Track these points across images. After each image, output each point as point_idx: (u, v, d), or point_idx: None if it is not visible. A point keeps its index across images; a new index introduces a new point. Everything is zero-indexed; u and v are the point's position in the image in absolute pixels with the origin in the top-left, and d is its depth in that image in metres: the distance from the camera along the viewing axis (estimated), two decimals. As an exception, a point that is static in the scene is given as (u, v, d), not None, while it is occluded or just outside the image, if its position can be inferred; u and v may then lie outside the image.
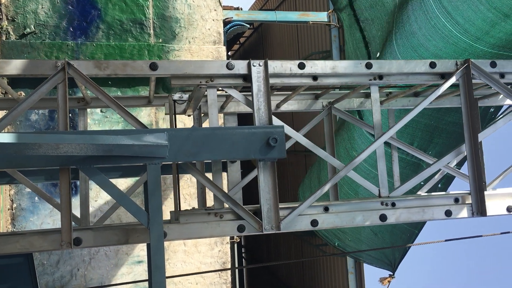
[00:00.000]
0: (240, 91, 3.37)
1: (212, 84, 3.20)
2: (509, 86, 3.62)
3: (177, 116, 6.54)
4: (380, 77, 3.43)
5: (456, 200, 3.52)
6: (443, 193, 3.69)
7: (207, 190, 4.03)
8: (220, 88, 3.31)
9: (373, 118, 3.59)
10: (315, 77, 3.34)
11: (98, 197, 6.21)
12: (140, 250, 6.36)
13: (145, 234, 3.02)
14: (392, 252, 6.86)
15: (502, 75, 3.60)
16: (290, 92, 4.26)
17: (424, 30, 4.73)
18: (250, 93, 3.18)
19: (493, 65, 3.54)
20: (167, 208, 6.39)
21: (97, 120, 6.33)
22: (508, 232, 5.65)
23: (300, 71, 3.26)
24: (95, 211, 6.19)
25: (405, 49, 4.95)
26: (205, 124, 4.32)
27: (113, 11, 6.52)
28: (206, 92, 3.70)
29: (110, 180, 2.87)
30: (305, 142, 3.62)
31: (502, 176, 4.46)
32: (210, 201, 4.30)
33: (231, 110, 4.38)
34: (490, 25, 4.48)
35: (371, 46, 5.65)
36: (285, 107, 4.46)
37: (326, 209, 3.32)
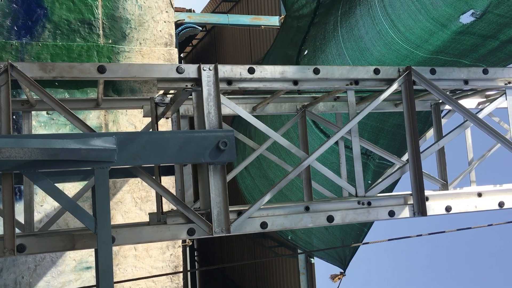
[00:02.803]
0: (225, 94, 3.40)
1: (198, 88, 3.20)
2: (447, 92, 3.83)
3: (127, 119, 6.44)
4: (356, 82, 3.59)
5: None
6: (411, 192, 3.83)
7: (185, 192, 4.03)
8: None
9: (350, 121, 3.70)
10: (295, 82, 3.43)
11: (44, 202, 6.01)
12: (89, 256, 6.20)
13: (93, 240, 2.96)
14: (342, 249, 7.05)
15: (466, 82, 3.80)
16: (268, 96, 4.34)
17: (370, 35, 4.92)
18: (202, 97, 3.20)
19: (433, 72, 3.73)
20: (117, 212, 6.27)
21: (43, 122, 6.13)
22: (443, 232, 5.95)
23: (250, 76, 3.31)
24: (41, 216, 5.98)
25: (353, 52, 5.13)
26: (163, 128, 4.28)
27: (60, 10, 6.34)
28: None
29: (56, 184, 2.80)
30: (286, 144, 3.67)
31: (462, 175, 4.71)
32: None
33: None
34: (428, 34, 4.72)
35: (304, 45, 5.84)
36: (260, 110, 4.50)
37: (307, 208, 3.41)
